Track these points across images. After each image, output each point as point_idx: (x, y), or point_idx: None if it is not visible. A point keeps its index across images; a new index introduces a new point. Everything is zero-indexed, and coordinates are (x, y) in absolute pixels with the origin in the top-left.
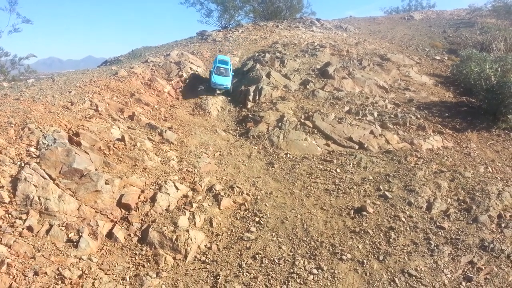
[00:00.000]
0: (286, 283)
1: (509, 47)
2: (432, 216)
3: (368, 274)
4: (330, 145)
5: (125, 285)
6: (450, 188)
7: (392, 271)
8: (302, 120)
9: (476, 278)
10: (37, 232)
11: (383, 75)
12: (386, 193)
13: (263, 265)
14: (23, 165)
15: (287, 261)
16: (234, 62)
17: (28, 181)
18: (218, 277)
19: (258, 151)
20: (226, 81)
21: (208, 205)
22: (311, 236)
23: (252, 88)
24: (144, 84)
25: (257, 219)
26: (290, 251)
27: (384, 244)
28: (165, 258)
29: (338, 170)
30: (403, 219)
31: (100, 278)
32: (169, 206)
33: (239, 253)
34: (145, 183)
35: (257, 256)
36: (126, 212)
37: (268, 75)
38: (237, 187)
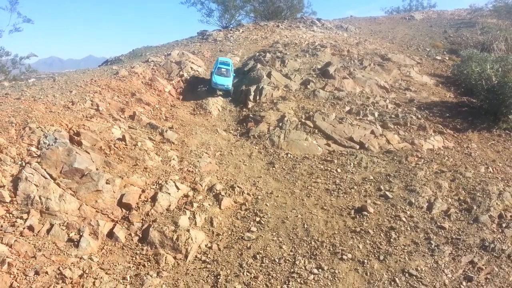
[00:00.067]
0: (287, 283)
1: (510, 47)
2: (433, 216)
3: (368, 274)
4: (330, 145)
5: (126, 285)
6: (451, 188)
7: (393, 271)
8: (303, 120)
9: (476, 278)
10: (38, 232)
11: (384, 75)
12: (387, 193)
13: (263, 264)
14: (24, 164)
15: (287, 261)
16: (235, 62)
17: (29, 181)
18: (218, 277)
19: (258, 151)
20: (227, 82)
21: (209, 204)
22: (312, 236)
23: (253, 88)
24: (145, 83)
25: (257, 219)
26: (291, 251)
27: (384, 244)
28: (165, 257)
29: (339, 170)
30: (403, 219)
31: (101, 277)
32: (169, 205)
33: (239, 252)
34: (145, 183)
35: (257, 255)
36: (127, 212)
37: (269, 75)
38: (238, 186)
